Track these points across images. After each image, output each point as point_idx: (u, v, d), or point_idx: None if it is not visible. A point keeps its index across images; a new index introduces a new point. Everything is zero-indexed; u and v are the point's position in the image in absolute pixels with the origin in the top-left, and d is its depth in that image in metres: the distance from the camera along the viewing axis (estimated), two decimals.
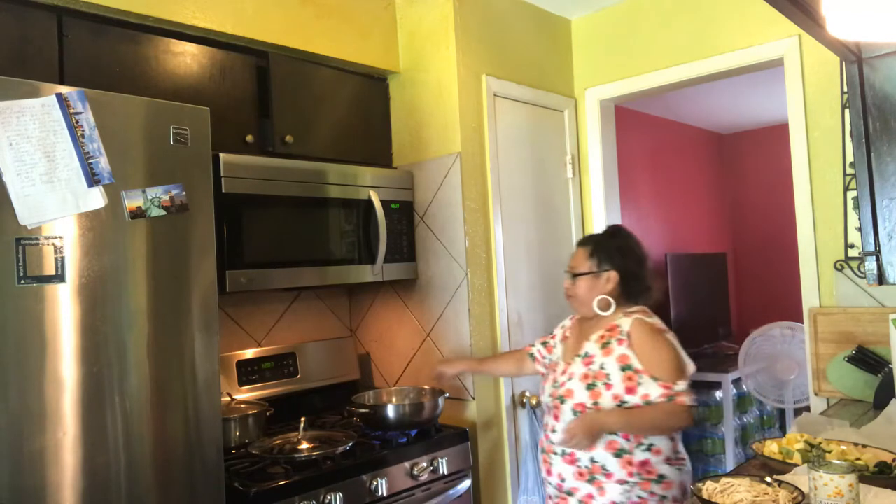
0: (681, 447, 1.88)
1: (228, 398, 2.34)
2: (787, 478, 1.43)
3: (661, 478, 1.78)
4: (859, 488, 1.24)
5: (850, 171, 2.36)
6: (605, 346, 1.88)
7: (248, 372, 2.47)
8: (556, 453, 1.88)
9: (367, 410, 2.28)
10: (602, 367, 1.85)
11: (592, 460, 1.80)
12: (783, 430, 4.68)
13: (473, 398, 2.48)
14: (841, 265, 2.38)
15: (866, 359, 2.25)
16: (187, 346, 1.70)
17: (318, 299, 2.84)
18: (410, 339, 2.70)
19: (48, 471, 1.46)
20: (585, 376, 1.87)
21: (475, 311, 2.51)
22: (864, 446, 1.62)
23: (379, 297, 2.82)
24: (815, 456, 1.57)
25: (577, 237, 3.02)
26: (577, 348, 1.97)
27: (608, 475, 1.78)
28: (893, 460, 1.52)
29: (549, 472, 1.91)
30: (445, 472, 2.24)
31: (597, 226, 3.03)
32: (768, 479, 1.40)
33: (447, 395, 2.37)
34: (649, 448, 1.79)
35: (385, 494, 2.06)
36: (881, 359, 2.22)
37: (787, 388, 3.40)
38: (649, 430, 1.79)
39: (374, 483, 2.04)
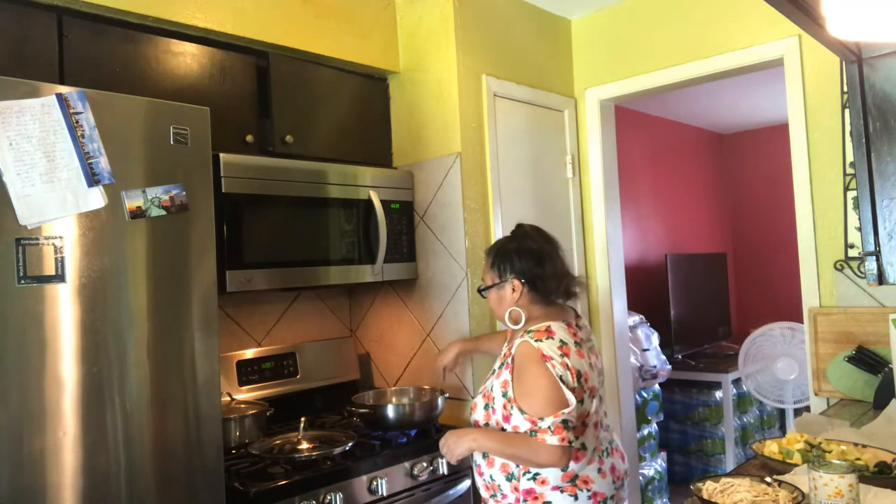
0: (587, 471, 1.72)
1: (228, 398, 2.34)
2: (787, 478, 1.43)
3: None
4: (859, 488, 1.24)
5: (850, 171, 2.36)
6: (500, 366, 1.79)
7: (248, 372, 2.47)
8: (473, 462, 1.84)
9: (367, 410, 2.28)
10: (492, 389, 1.78)
11: (492, 478, 1.76)
12: (783, 430, 4.69)
13: (473, 398, 2.48)
14: (841, 265, 2.38)
15: (866, 359, 2.25)
16: (187, 346, 1.70)
17: (318, 299, 2.84)
18: (410, 339, 2.70)
19: (48, 471, 1.46)
20: (485, 395, 1.80)
21: (475, 311, 2.51)
22: (864, 446, 1.62)
23: (379, 297, 2.83)
24: (815, 456, 1.57)
25: (577, 237, 3.02)
26: (497, 360, 1.88)
27: (503, 496, 1.74)
28: (893, 460, 1.52)
29: None
30: (445, 473, 2.24)
31: (597, 226, 3.03)
32: (768, 479, 1.40)
33: (447, 394, 2.37)
34: (534, 477, 1.70)
35: (385, 494, 2.06)
36: (881, 359, 2.22)
37: (787, 388, 3.40)
38: (514, 460, 1.70)
39: (374, 483, 2.04)
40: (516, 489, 1.72)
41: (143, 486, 1.60)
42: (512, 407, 1.69)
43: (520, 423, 1.67)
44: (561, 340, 1.70)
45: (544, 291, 1.83)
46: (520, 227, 1.93)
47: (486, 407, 1.78)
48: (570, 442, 1.62)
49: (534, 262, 1.82)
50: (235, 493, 1.80)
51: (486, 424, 1.77)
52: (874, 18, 1.26)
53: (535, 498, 1.70)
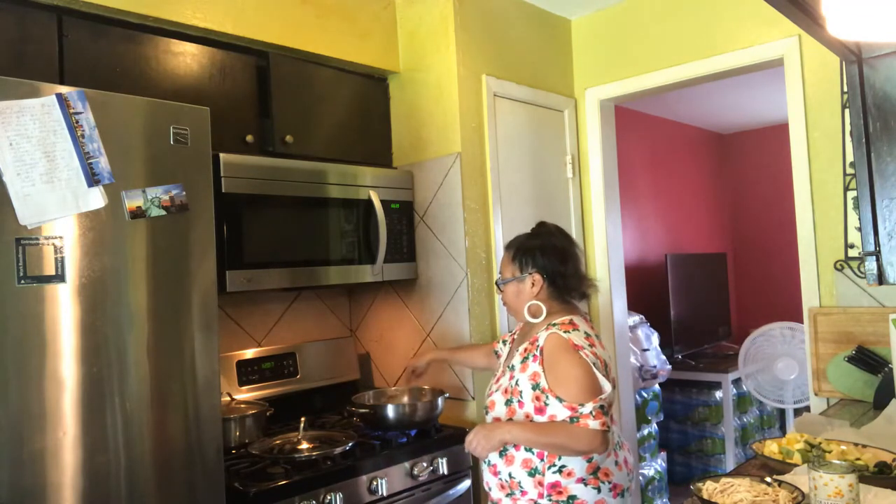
0: (606, 464, 1.74)
1: (228, 398, 2.34)
2: (787, 478, 1.43)
3: (571, 499, 1.69)
4: (859, 488, 1.24)
5: (850, 171, 2.36)
6: (524, 360, 1.79)
7: (248, 372, 2.47)
8: (485, 462, 1.83)
9: (367, 410, 2.28)
10: (517, 384, 1.77)
11: (511, 475, 1.75)
12: (783, 430, 4.69)
13: (473, 398, 2.48)
14: (841, 265, 2.38)
15: (866, 359, 2.25)
16: (187, 346, 1.70)
17: (318, 299, 2.84)
18: (410, 339, 2.70)
19: (48, 471, 1.46)
20: (506, 391, 1.80)
21: (475, 311, 2.51)
22: (864, 446, 1.62)
23: (379, 297, 2.83)
24: (815, 456, 1.57)
25: (577, 237, 3.02)
26: (510, 357, 1.90)
27: (523, 492, 1.73)
28: (893, 460, 1.52)
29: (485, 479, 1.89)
30: (445, 472, 2.24)
31: (597, 226, 3.04)
32: (768, 479, 1.40)
33: (447, 394, 2.37)
34: (560, 470, 1.70)
35: (385, 494, 2.06)
36: (881, 359, 2.22)
37: (787, 388, 3.40)
38: (551, 449, 1.70)
39: (374, 483, 2.04)
40: (540, 484, 1.72)
41: (143, 486, 1.60)
42: (547, 397, 1.70)
43: (558, 411, 1.68)
44: (586, 332, 1.77)
45: (564, 289, 1.87)
46: (543, 224, 1.96)
47: (508, 402, 1.78)
48: (608, 427, 1.66)
49: (557, 259, 1.86)
50: (235, 493, 1.80)
51: (510, 420, 1.78)
52: (874, 18, 1.26)
53: (560, 492, 1.70)
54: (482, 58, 2.64)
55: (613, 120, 3.12)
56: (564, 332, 1.74)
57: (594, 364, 1.69)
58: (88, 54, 1.92)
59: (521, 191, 2.77)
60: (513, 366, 1.83)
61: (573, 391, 1.67)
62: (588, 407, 1.65)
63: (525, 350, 1.82)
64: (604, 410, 1.66)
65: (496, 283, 1.98)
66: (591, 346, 1.74)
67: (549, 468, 1.71)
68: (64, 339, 1.50)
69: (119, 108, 1.62)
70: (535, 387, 1.73)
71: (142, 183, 1.63)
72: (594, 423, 1.63)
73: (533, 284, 1.85)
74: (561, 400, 1.68)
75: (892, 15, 1.24)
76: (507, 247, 1.95)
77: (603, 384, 1.68)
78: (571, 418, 1.66)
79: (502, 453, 1.77)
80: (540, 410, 1.72)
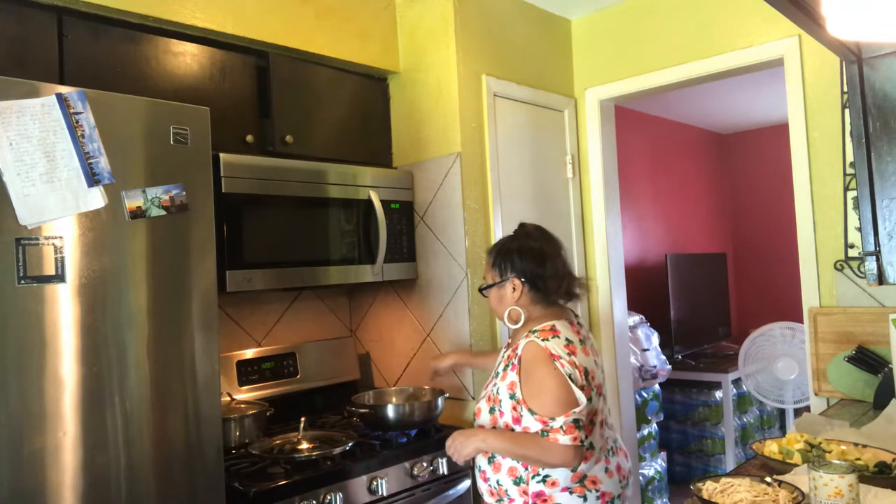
0: (594, 471, 1.71)
1: (228, 398, 2.34)
2: (787, 478, 1.43)
3: None
4: (859, 488, 1.24)
5: (850, 171, 2.36)
6: (505, 368, 1.77)
7: (248, 372, 2.47)
8: (476, 468, 1.82)
9: (367, 410, 2.28)
10: (497, 392, 1.75)
11: (498, 483, 1.74)
12: (783, 430, 4.69)
13: (473, 398, 2.48)
14: (841, 265, 2.38)
15: (866, 359, 2.25)
16: (187, 346, 1.70)
17: (318, 299, 2.84)
18: (410, 339, 2.70)
19: (48, 471, 1.46)
20: (489, 398, 1.79)
21: (475, 311, 2.51)
22: (864, 446, 1.62)
23: (379, 297, 2.83)
24: (815, 456, 1.57)
25: (577, 237, 3.02)
26: (499, 363, 1.86)
27: (511, 500, 1.72)
28: (893, 460, 1.52)
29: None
30: (445, 473, 2.24)
31: (597, 226, 3.03)
32: (768, 479, 1.40)
33: (447, 394, 2.37)
34: (544, 479, 1.68)
35: (385, 494, 2.06)
36: (881, 359, 2.22)
37: (787, 388, 3.40)
38: (525, 461, 1.68)
39: (374, 483, 2.04)
40: (525, 493, 1.70)
41: (143, 486, 1.60)
42: (522, 409, 1.68)
43: (531, 424, 1.65)
44: (567, 339, 1.71)
45: (545, 291, 1.81)
46: (522, 226, 1.92)
47: (492, 410, 1.77)
48: (581, 441, 1.62)
49: (535, 261, 1.81)
50: (235, 493, 1.80)
51: (494, 428, 1.75)
52: (874, 18, 1.26)
53: (545, 500, 1.69)
54: (482, 58, 2.64)
55: (613, 120, 3.12)
56: (543, 339, 1.69)
57: (570, 375, 1.64)
58: (88, 54, 1.92)
59: (521, 191, 2.77)
60: (497, 372, 1.82)
61: (546, 404, 1.64)
62: (559, 421, 1.61)
63: (507, 357, 1.79)
64: (577, 425, 1.61)
65: (479, 289, 1.93)
66: (571, 354, 1.68)
67: (532, 477, 1.69)
68: (64, 339, 1.50)
69: (119, 108, 1.62)
70: (512, 396, 1.71)
71: (142, 183, 1.63)
72: (564, 439, 1.60)
73: (514, 289, 1.81)
74: (533, 413, 1.65)
75: (892, 15, 1.24)
76: (488, 252, 1.91)
77: (578, 397, 1.63)
78: (542, 431, 1.63)
79: (490, 460, 1.76)
80: (517, 421, 1.69)
